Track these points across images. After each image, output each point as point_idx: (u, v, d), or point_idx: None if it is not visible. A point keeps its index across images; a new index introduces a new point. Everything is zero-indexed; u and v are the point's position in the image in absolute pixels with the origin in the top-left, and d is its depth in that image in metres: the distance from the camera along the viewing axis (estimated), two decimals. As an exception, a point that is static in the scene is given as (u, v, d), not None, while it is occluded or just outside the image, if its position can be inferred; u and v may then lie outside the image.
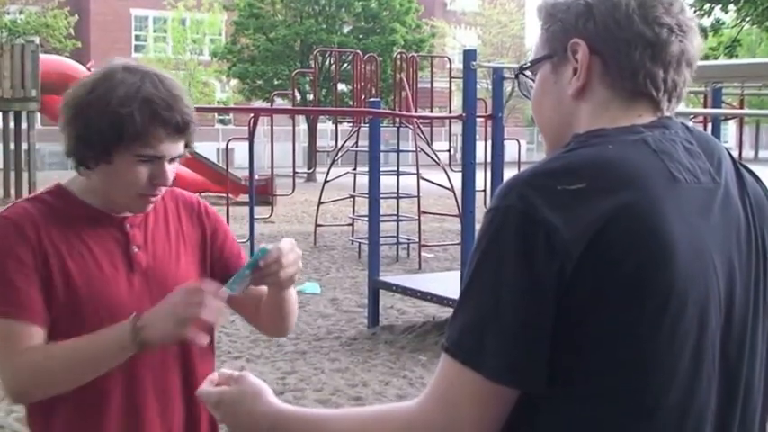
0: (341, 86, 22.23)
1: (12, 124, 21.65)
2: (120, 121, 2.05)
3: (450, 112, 14.37)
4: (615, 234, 1.35)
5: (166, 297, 2.06)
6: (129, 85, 2.07)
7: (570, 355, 1.37)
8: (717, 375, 1.44)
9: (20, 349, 2.08)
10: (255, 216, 11.70)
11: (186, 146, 2.18)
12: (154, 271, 2.23)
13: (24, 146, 21.39)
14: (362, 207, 12.77)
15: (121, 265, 2.20)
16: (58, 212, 2.19)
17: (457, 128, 11.90)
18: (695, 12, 15.53)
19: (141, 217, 2.26)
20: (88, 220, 2.21)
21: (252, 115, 13.13)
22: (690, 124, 1.60)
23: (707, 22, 17.04)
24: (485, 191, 11.94)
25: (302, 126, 33.01)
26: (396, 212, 14.06)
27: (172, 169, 2.17)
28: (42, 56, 21.49)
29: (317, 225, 15.34)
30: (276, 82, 31.53)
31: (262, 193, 15.67)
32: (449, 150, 15.79)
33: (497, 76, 8.92)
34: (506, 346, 1.36)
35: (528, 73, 1.65)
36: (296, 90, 23.41)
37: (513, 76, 1.81)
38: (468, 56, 8.17)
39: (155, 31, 44.69)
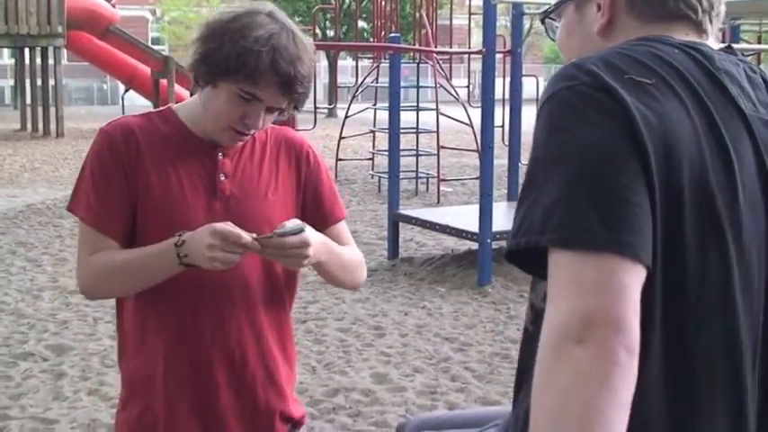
0: (361, 24, 22.12)
1: (38, 60, 21.79)
2: (247, 55, 2.14)
3: (469, 48, 14.37)
4: (675, 142, 1.28)
5: (198, 230, 2.16)
6: (267, 29, 2.17)
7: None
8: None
9: (93, 253, 2.28)
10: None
11: (295, 108, 2.28)
12: (237, 201, 2.31)
13: (51, 81, 21.56)
14: (382, 142, 12.83)
15: (203, 192, 2.29)
16: (158, 131, 2.32)
17: (475, 65, 11.93)
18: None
19: (237, 148, 2.34)
20: (183, 143, 2.32)
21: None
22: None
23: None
24: (503, 127, 11.98)
25: (323, 62, 32.90)
26: (415, 147, 14.16)
27: (269, 118, 2.29)
28: (67, -8, 21.56)
29: (337, 159, 15.45)
30: (297, 19, 31.34)
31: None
32: (468, 86, 15.81)
33: (517, 12, 8.96)
34: (608, 214, 1.23)
35: (553, 16, 1.61)
36: (317, 27, 23.34)
37: (539, 20, 1.75)
38: (489, -9, 8.18)
39: (177, -33, 44.42)
